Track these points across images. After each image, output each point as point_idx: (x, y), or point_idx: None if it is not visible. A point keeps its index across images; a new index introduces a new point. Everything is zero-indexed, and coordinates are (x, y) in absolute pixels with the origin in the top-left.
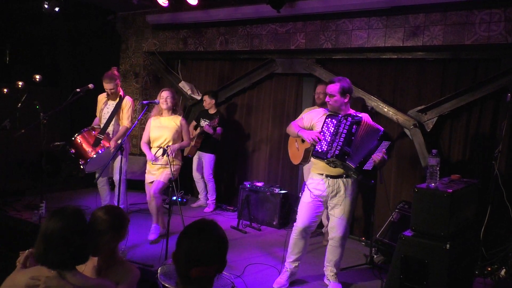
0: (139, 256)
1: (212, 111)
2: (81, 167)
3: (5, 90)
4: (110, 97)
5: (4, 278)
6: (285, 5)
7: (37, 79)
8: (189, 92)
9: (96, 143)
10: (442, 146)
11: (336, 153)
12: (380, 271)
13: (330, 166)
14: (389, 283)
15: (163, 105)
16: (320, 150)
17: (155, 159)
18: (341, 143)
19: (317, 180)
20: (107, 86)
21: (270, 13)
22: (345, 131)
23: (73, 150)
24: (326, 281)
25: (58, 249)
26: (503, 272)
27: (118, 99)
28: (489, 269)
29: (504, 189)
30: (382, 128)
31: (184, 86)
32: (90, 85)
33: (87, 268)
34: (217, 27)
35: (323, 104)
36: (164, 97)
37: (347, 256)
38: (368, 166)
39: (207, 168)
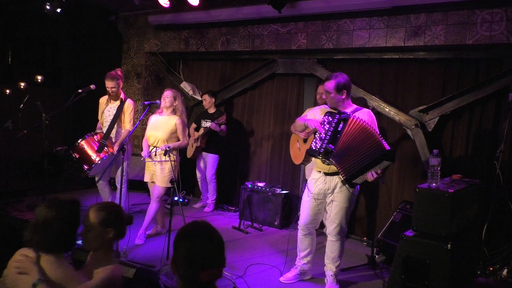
0: (141, 257)
1: (211, 110)
2: (86, 172)
3: (7, 91)
4: (111, 97)
5: None
6: (286, 5)
7: (39, 80)
8: (190, 93)
9: (100, 149)
10: (444, 146)
11: (321, 151)
12: (381, 271)
13: (324, 164)
14: (390, 283)
15: (162, 103)
16: (314, 148)
17: (146, 156)
18: (326, 140)
19: (316, 177)
20: (109, 84)
21: (271, 13)
22: (331, 128)
23: (77, 155)
24: (325, 280)
25: (40, 233)
26: (505, 272)
27: (119, 102)
28: (491, 269)
29: (506, 189)
30: (388, 147)
31: (185, 86)
32: (92, 86)
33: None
34: (219, 27)
35: (325, 104)
36: (164, 96)
37: (348, 256)
38: (360, 180)
39: (210, 168)
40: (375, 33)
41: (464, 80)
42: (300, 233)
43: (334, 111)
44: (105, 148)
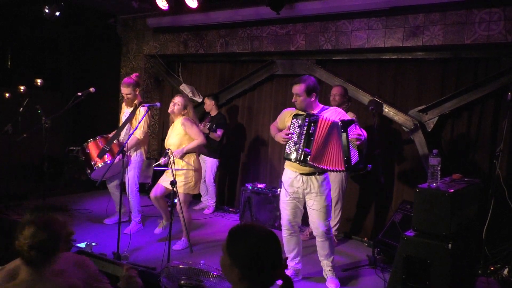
0: (141, 259)
1: (213, 112)
2: (88, 176)
3: (7, 94)
4: (126, 102)
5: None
6: (284, 6)
7: (39, 83)
8: (190, 95)
9: (101, 155)
10: (444, 146)
11: (298, 156)
12: (383, 272)
13: (301, 166)
14: (391, 283)
15: (170, 109)
16: (289, 153)
17: (157, 163)
18: (301, 145)
19: (292, 176)
20: (124, 91)
21: (270, 15)
22: (303, 132)
23: (83, 157)
24: (324, 275)
25: None
26: (506, 271)
27: (134, 107)
28: (492, 268)
29: (506, 188)
30: (337, 120)
31: (185, 88)
32: (91, 89)
33: None
34: (217, 29)
35: (339, 106)
36: (174, 101)
37: (349, 257)
38: (355, 157)
39: (209, 172)
40: (373, 34)
41: (463, 80)
42: (285, 233)
43: (302, 113)
44: (106, 155)
